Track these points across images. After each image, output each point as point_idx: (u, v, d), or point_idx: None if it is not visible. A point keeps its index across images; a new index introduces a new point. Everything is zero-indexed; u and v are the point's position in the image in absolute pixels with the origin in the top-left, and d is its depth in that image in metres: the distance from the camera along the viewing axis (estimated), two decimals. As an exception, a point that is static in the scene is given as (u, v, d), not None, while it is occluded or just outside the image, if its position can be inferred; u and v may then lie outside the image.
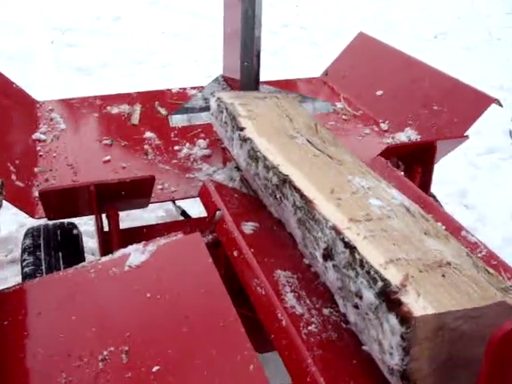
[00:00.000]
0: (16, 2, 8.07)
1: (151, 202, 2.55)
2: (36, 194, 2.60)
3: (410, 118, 3.29)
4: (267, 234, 1.99)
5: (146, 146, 3.05)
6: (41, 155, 2.93)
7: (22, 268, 2.53)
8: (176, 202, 2.98)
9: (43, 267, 2.51)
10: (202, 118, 2.72)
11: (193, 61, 6.70)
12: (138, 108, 3.44)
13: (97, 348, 1.43)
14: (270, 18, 6.84)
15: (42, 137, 3.09)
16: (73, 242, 2.64)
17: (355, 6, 9.26)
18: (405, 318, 1.30)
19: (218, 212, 1.95)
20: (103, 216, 2.43)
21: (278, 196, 2.00)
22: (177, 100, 3.56)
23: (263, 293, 1.67)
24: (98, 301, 1.64)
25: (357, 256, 1.52)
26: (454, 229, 1.99)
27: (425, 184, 2.69)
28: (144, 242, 1.77)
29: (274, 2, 8.64)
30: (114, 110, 3.45)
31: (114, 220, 2.36)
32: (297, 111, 2.56)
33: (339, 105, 3.63)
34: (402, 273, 1.43)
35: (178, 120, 2.70)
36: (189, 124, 2.81)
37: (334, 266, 1.62)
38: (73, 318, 1.57)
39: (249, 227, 1.92)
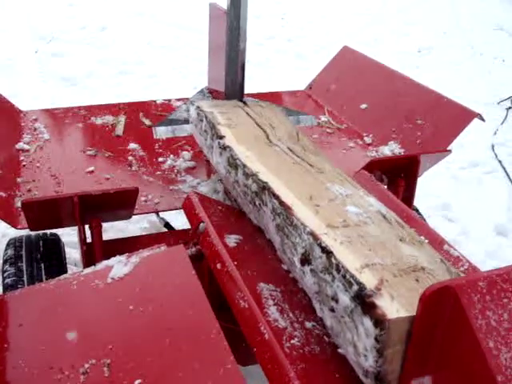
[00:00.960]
0: (0, 10, 8.04)
1: (135, 214, 2.55)
2: (18, 204, 2.58)
3: (394, 132, 3.32)
4: (250, 246, 1.99)
5: (130, 158, 3.05)
6: (24, 165, 2.91)
7: (4, 279, 2.51)
8: (159, 213, 2.98)
9: (25, 278, 2.48)
10: (187, 131, 2.72)
11: (178, 72, 6.70)
12: (122, 119, 3.44)
13: (78, 361, 1.42)
14: (256, 29, 6.89)
15: (26, 146, 3.07)
16: (55, 253, 2.62)
17: (340, 19, 9.33)
18: (379, 321, 1.33)
19: (201, 224, 1.95)
20: (86, 227, 2.42)
21: (257, 203, 2.03)
22: (161, 111, 3.57)
23: (246, 306, 1.67)
24: (80, 313, 1.63)
25: (333, 260, 1.55)
26: (437, 242, 2.00)
27: (408, 198, 2.70)
28: (127, 254, 1.76)
29: (260, 13, 8.69)
30: (98, 121, 3.44)
31: (97, 231, 2.35)
32: (279, 120, 2.60)
33: (323, 118, 3.65)
34: (376, 277, 1.46)
35: (162, 132, 2.69)
36: (173, 136, 2.81)
37: (311, 270, 1.65)
38: (54, 330, 1.56)
39: (232, 240, 1.92)
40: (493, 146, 5.53)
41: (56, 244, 2.68)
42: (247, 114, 2.64)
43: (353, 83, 3.81)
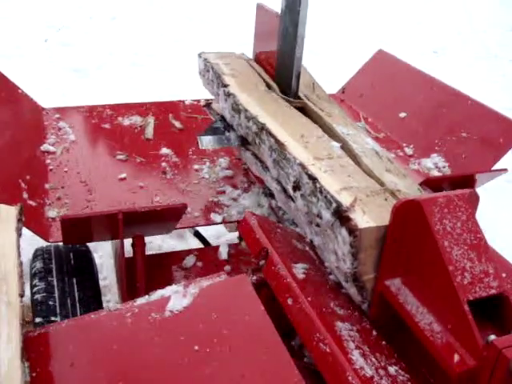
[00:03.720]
0: (7, -3, 7.82)
1: (175, 228, 2.38)
2: (49, 214, 2.41)
3: (437, 144, 3.16)
4: (318, 275, 1.84)
5: (163, 164, 2.88)
6: (51, 169, 2.73)
7: (33, 294, 2.33)
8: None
9: (56, 294, 2.31)
10: (231, 141, 2.53)
11: (190, 65, 6.49)
12: (151, 120, 3.26)
13: None
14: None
15: (51, 148, 2.89)
16: (87, 267, 2.44)
17: (351, 19, 9.14)
18: (352, 230, 1.62)
19: (265, 251, 1.78)
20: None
21: (257, 141, 2.30)
22: (191, 113, 3.40)
23: (328, 350, 1.51)
24: (140, 352, 1.47)
25: (317, 185, 1.84)
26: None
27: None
28: (184, 284, 1.60)
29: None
30: (126, 122, 3.27)
31: (140, 247, 2.18)
32: None
33: (360, 125, 3.48)
34: (352, 197, 1.76)
35: (207, 142, 2.50)
36: (219, 147, 2.63)
37: (301, 195, 1.95)
38: (111, 372, 1.40)
39: (299, 269, 1.76)
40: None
41: (87, 256, 2.50)
42: (250, 65, 2.93)
43: (389, 89, 3.64)
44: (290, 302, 1.66)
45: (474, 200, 1.68)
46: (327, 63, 6.62)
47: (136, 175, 2.75)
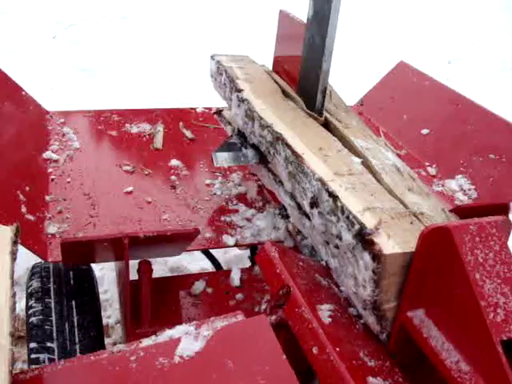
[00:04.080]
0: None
1: (185, 251, 2.21)
2: (49, 230, 2.24)
3: (462, 165, 2.98)
4: (344, 318, 1.66)
5: (172, 177, 2.70)
6: (53, 179, 2.56)
7: (28, 316, 2.16)
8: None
9: (53, 317, 2.14)
10: (248, 158, 2.34)
11: (201, 68, 6.33)
12: (160, 129, 3.09)
13: None
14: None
15: (54, 156, 2.72)
16: (88, 288, 2.27)
17: (362, 28, 8.94)
18: (376, 256, 1.50)
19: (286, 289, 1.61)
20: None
21: (271, 152, 2.18)
22: (203, 122, 3.23)
23: (358, 412, 1.34)
24: (146, 405, 1.30)
25: (338, 204, 1.72)
26: None
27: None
28: (196, 323, 1.43)
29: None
30: (134, 129, 3.10)
31: (146, 273, 2.01)
32: None
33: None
34: (376, 218, 1.63)
35: (222, 160, 2.32)
36: (235, 164, 2.45)
37: (319, 212, 1.82)
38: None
39: (325, 312, 1.58)
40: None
41: (88, 276, 2.32)
42: (265, 71, 2.78)
43: (411, 104, 3.47)
44: (315, 351, 1.49)
45: (507, 228, 1.60)
46: (341, 73, 6.46)
47: (143, 189, 2.57)
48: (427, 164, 3.08)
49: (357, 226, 1.60)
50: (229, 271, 2.35)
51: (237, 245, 2.30)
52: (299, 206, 2.06)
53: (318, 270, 1.84)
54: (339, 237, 1.69)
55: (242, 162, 2.35)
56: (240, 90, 2.48)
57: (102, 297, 2.82)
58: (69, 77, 5.64)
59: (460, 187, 2.89)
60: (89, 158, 2.77)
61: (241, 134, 2.45)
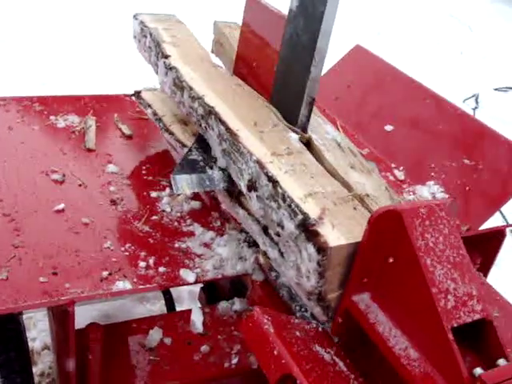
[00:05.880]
0: None
1: (133, 293, 1.81)
2: None
3: (433, 169, 2.69)
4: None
5: (111, 188, 2.25)
6: None
7: None
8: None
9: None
10: (216, 182, 1.91)
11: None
12: (92, 123, 2.61)
13: None
14: None
15: (-38, 161, 2.21)
16: (14, 341, 1.82)
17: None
18: (321, 248, 1.43)
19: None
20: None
21: (203, 125, 2.04)
22: (142, 114, 2.76)
23: None
24: None
25: (279, 190, 1.62)
26: None
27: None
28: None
29: None
30: (60, 123, 2.61)
31: (97, 340, 1.61)
32: None
33: (338, 136, 2.96)
34: (319, 206, 1.56)
35: (184, 184, 1.87)
36: (202, 190, 2.03)
37: (257, 196, 1.71)
38: None
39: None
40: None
41: (15, 326, 1.87)
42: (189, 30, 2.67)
43: (371, 95, 3.14)
44: None
45: (454, 210, 1.61)
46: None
47: (77, 205, 2.12)
48: (393, 165, 2.79)
49: (300, 216, 1.52)
50: (187, 312, 1.96)
51: (197, 281, 1.91)
52: (230, 193, 1.97)
53: (316, 338, 1.49)
54: (281, 225, 1.59)
55: (207, 186, 1.93)
56: (167, 56, 2.33)
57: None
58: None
59: (433, 195, 2.61)
60: (7, 165, 2.26)
61: (201, 145, 2.03)
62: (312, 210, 1.54)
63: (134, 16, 2.72)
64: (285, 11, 1.92)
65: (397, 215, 1.35)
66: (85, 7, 7.12)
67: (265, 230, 1.73)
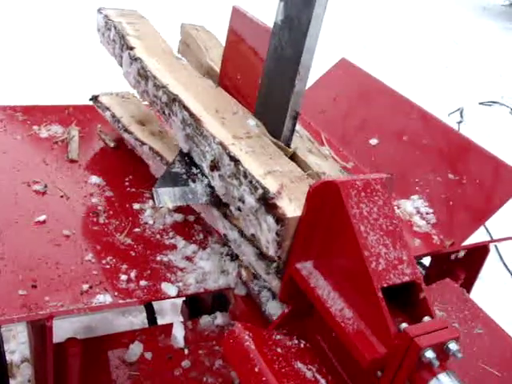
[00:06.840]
0: None
1: (113, 307, 1.78)
2: None
3: (417, 183, 2.70)
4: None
5: (93, 200, 2.23)
6: None
7: None
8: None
9: None
10: (199, 196, 1.89)
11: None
12: (75, 133, 2.59)
13: None
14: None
15: None
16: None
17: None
18: (280, 219, 1.55)
19: None
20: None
21: (166, 112, 2.14)
22: (126, 125, 2.74)
23: None
24: None
25: (241, 168, 1.74)
26: None
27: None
28: None
29: None
30: (43, 133, 2.58)
31: (75, 354, 1.58)
32: (213, 43, 2.61)
33: (323, 149, 2.96)
34: (277, 183, 1.69)
35: (166, 197, 1.84)
36: (184, 204, 2.01)
37: (219, 175, 1.83)
38: None
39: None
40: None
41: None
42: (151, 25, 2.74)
43: (357, 108, 3.15)
44: None
45: (390, 185, 1.64)
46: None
47: (58, 217, 2.09)
48: (378, 180, 2.77)
49: (260, 191, 1.64)
50: (168, 326, 1.94)
51: (179, 295, 1.89)
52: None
53: (298, 355, 1.47)
54: (242, 200, 1.71)
55: (189, 199, 1.91)
56: (132, 48, 2.41)
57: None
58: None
59: (417, 210, 2.62)
60: (-12, 174, 2.25)
61: (184, 158, 2.02)
62: (271, 185, 1.66)
63: (99, 10, 2.76)
64: (270, 24, 1.92)
65: (334, 186, 1.45)
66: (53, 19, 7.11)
67: (224, 216, 1.88)
